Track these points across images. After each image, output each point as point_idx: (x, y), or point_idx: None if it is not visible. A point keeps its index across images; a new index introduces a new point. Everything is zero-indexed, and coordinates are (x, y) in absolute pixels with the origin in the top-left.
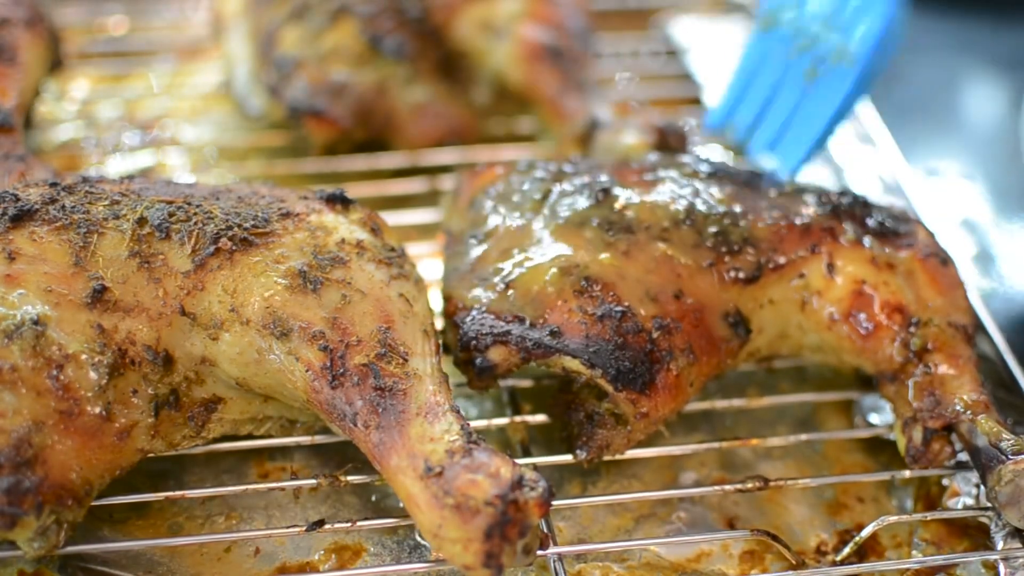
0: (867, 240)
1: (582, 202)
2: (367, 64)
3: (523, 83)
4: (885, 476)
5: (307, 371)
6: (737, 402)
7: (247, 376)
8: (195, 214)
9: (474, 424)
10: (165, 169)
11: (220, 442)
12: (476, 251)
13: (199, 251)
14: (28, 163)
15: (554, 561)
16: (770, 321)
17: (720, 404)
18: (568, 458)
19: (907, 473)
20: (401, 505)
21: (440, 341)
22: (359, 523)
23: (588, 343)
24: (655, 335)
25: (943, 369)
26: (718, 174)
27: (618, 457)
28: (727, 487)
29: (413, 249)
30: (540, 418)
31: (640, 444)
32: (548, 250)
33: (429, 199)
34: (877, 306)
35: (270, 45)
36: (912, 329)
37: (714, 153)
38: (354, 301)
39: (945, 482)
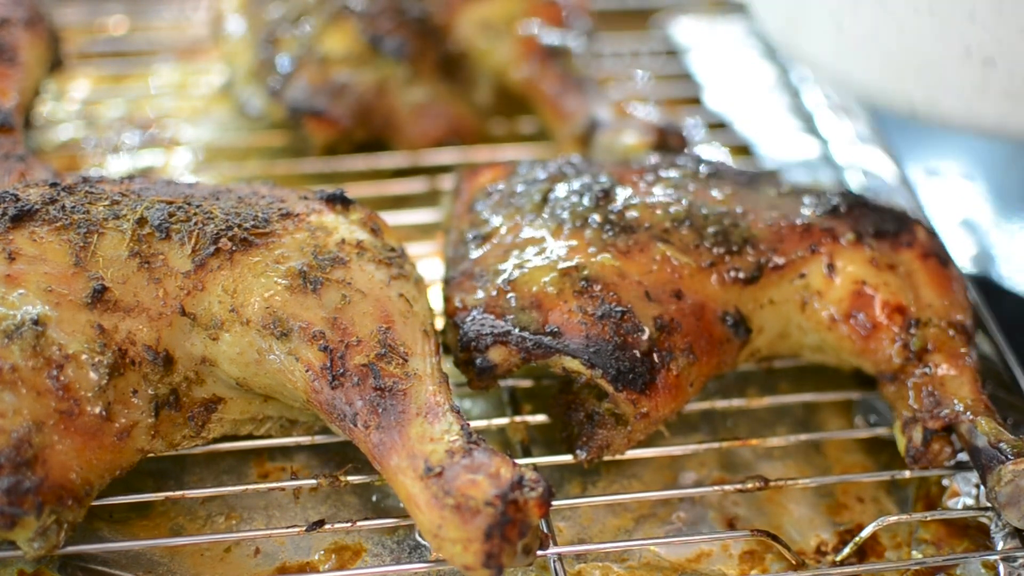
0: (867, 240)
1: (582, 203)
2: (367, 64)
3: (523, 83)
4: (885, 476)
5: (307, 371)
6: (737, 402)
7: (247, 376)
8: (195, 214)
9: (474, 424)
10: (165, 169)
11: (220, 442)
12: (476, 251)
13: (199, 251)
14: (28, 163)
15: (554, 561)
16: (770, 321)
17: (720, 404)
18: (568, 458)
19: (907, 473)
20: (401, 505)
21: (440, 341)
22: (359, 523)
23: (588, 343)
24: (655, 335)
25: (943, 370)
26: (718, 174)
27: (618, 457)
28: (727, 487)
29: (413, 249)
30: (540, 418)
31: (640, 444)
32: (548, 251)
33: (429, 199)
34: (877, 306)
35: (270, 45)
36: (912, 330)
37: (714, 153)
38: (354, 301)
39: (945, 482)
